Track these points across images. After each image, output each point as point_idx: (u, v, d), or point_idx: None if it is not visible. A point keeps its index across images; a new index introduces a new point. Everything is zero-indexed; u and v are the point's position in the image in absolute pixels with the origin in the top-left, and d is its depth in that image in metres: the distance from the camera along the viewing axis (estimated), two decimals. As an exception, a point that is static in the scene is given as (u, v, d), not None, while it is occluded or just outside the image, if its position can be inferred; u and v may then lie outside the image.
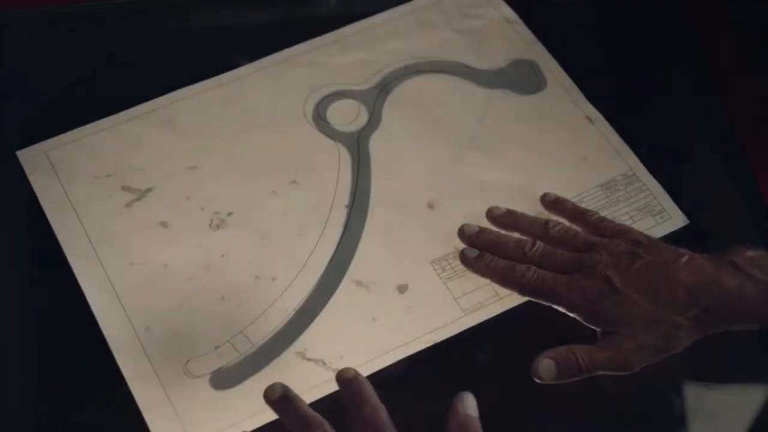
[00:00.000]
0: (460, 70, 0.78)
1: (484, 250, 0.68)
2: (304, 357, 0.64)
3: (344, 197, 0.71)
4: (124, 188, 0.70)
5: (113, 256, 0.67)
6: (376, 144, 0.74)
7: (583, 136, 0.75)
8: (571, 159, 0.73)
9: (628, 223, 0.70)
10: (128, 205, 0.70)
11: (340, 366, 0.63)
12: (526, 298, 0.66)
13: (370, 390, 0.58)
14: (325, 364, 0.64)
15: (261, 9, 0.81)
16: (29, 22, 0.79)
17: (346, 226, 0.70)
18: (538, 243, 0.67)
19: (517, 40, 0.79)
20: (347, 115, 0.75)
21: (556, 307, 0.65)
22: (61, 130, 0.73)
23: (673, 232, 0.70)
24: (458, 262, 0.68)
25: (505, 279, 0.66)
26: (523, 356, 0.63)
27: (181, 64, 0.78)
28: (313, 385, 0.63)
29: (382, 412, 0.57)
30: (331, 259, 0.68)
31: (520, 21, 0.80)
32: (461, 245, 0.69)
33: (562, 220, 0.70)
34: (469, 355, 0.65)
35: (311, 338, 0.65)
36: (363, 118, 0.75)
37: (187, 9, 0.81)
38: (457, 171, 0.73)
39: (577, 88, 0.77)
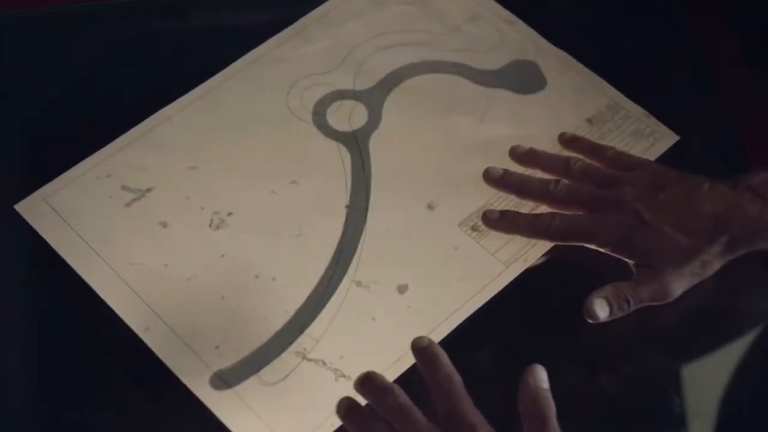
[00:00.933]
0: (461, 70, 0.78)
1: (508, 191, 0.70)
2: (304, 357, 0.64)
3: (344, 197, 0.71)
4: (124, 188, 0.70)
5: (113, 256, 0.67)
6: (375, 144, 0.74)
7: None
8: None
9: (626, 149, 0.72)
10: (128, 205, 0.70)
11: (340, 366, 0.64)
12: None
13: (444, 358, 0.59)
14: (325, 364, 0.64)
15: (261, 9, 0.81)
16: (29, 22, 0.79)
17: (345, 226, 0.70)
18: (562, 181, 0.69)
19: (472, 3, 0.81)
20: (347, 115, 0.75)
21: (587, 245, 0.67)
22: (62, 129, 0.72)
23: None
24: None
25: (534, 230, 0.68)
26: (523, 357, 0.63)
27: (181, 65, 0.78)
28: (312, 384, 0.63)
29: (456, 378, 0.58)
30: (331, 259, 0.68)
31: None
32: (461, 247, 0.69)
33: (580, 157, 0.71)
34: (469, 355, 0.65)
35: (311, 338, 0.65)
36: (363, 118, 0.75)
37: (187, 9, 0.81)
38: (458, 171, 0.73)
39: (541, 39, 0.79)
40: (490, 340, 0.66)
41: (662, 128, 0.75)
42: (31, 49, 0.78)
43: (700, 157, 0.75)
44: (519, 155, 0.72)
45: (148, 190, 0.70)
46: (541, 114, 0.75)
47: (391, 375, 0.63)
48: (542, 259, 0.68)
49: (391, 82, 0.77)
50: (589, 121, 0.74)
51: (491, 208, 0.70)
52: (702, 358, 0.66)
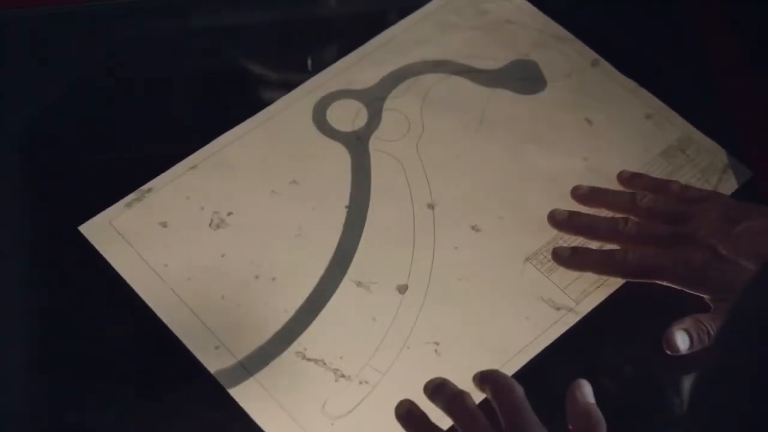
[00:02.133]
0: (461, 70, 0.78)
1: (577, 233, 0.68)
2: (304, 357, 0.64)
3: (344, 197, 0.71)
4: (124, 188, 0.70)
5: (113, 256, 0.67)
6: (375, 144, 0.74)
7: (581, 137, 0.75)
8: (575, 163, 0.73)
9: (697, 185, 0.71)
10: (128, 205, 0.70)
11: (340, 366, 0.64)
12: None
13: (501, 373, 0.59)
14: (325, 364, 0.64)
15: (262, 9, 0.81)
16: (29, 22, 0.79)
17: (345, 226, 0.70)
18: (631, 219, 0.67)
19: (532, 27, 0.80)
20: (347, 115, 0.75)
21: (661, 282, 0.65)
22: (62, 130, 0.72)
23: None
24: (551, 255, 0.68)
25: (606, 267, 0.66)
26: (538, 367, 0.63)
27: (181, 65, 0.78)
28: (313, 384, 0.63)
29: (517, 387, 0.57)
30: (331, 259, 0.68)
31: (530, 5, 0.80)
32: (462, 247, 0.69)
33: (645, 192, 0.69)
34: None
35: (311, 338, 0.65)
36: (363, 118, 0.75)
37: (188, 9, 0.81)
38: (458, 171, 0.73)
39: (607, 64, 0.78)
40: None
41: (735, 163, 0.73)
42: (31, 49, 0.78)
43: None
44: (582, 195, 0.70)
45: (148, 190, 0.70)
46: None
47: (390, 374, 0.63)
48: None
49: (392, 81, 0.77)
50: (663, 154, 0.73)
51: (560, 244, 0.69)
52: (701, 359, 0.66)
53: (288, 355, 0.64)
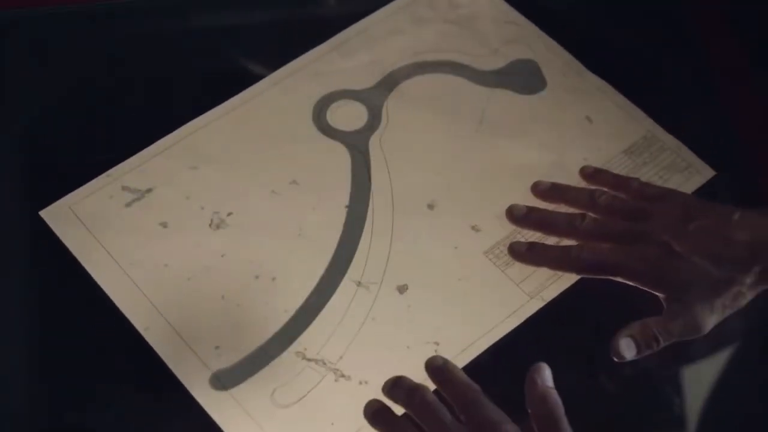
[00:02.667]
0: (461, 70, 0.78)
1: (535, 228, 0.69)
2: (304, 357, 0.64)
3: (344, 197, 0.71)
4: (124, 188, 0.70)
5: (113, 255, 0.67)
6: (375, 144, 0.74)
7: (582, 135, 0.75)
8: (576, 157, 0.73)
9: (658, 183, 0.71)
10: (128, 204, 0.70)
11: (340, 366, 0.64)
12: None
13: (459, 372, 0.60)
14: (325, 364, 0.64)
15: (262, 10, 0.81)
16: (29, 22, 0.79)
17: (345, 226, 0.70)
18: (588, 215, 0.68)
19: (507, 22, 0.80)
20: (347, 115, 0.75)
21: (616, 278, 0.65)
22: (63, 130, 0.73)
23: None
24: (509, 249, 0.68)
25: (561, 263, 0.67)
26: (522, 359, 0.63)
27: (181, 65, 0.78)
28: (312, 384, 0.63)
29: (475, 386, 0.58)
30: (331, 259, 0.68)
31: (503, 2, 0.81)
32: (462, 247, 0.69)
33: (604, 189, 0.70)
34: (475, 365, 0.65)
35: (311, 338, 0.65)
36: (363, 118, 0.75)
37: (188, 9, 0.81)
38: (457, 171, 0.73)
39: (571, 55, 0.78)
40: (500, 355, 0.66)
41: (698, 162, 0.73)
42: (32, 49, 0.78)
43: (700, 156, 0.75)
44: (542, 191, 0.70)
45: (148, 190, 0.70)
46: (573, 142, 0.74)
47: (390, 374, 0.63)
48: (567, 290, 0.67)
49: (392, 81, 0.77)
50: (626, 152, 0.73)
51: (516, 239, 0.69)
52: (702, 359, 0.66)
53: (288, 355, 0.64)
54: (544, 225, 0.69)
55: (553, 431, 0.56)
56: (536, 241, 0.69)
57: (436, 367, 0.61)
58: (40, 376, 0.64)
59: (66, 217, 0.68)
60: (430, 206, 0.71)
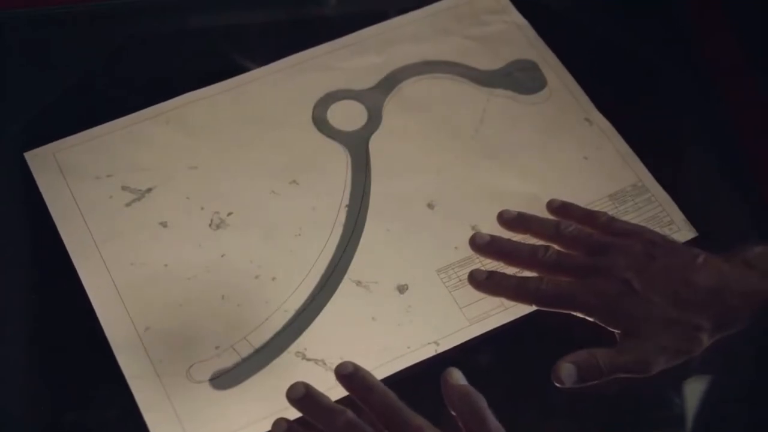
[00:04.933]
0: (461, 71, 0.78)
1: (497, 258, 0.67)
2: (304, 357, 0.64)
3: (344, 197, 0.71)
4: (125, 188, 0.70)
5: (113, 256, 0.67)
6: (375, 144, 0.74)
7: (583, 137, 0.75)
8: (572, 158, 0.73)
9: None
10: (128, 204, 0.70)
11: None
12: (532, 308, 0.65)
13: (373, 378, 0.58)
14: (325, 364, 0.64)
15: (264, 10, 0.81)
16: (29, 22, 0.79)
17: (345, 226, 0.70)
18: (551, 248, 0.66)
19: (527, 46, 0.79)
20: (347, 115, 0.75)
21: (573, 312, 0.64)
22: (64, 130, 0.73)
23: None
24: (464, 270, 0.67)
25: (519, 294, 0.65)
26: (522, 359, 0.63)
27: (181, 65, 0.78)
28: (312, 384, 0.63)
29: (390, 393, 0.57)
30: (331, 259, 0.68)
31: (529, 27, 0.80)
32: (462, 247, 0.69)
33: (571, 222, 0.68)
34: (469, 357, 0.65)
35: (311, 338, 0.65)
36: (363, 118, 0.75)
37: (187, 9, 0.81)
38: (457, 171, 0.73)
39: (581, 90, 0.77)
40: (490, 345, 0.66)
41: (682, 220, 0.71)
42: (32, 49, 0.78)
43: (700, 157, 0.75)
44: (508, 221, 0.69)
45: (148, 190, 0.70)
46: (564, 177, 0.73)
47: (389, 374, 0.63)
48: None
49: (392, 82, 0.77)
50: (612, 197, 0.72)
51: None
52: (701, 359, 0.66)
53: (288, 356, 0.64)
54: (506, 255, 0.67)
55: (480, 424, 0.56)
56: (495, 270, 0.67)
57: (347, 375, 0.58)
58: (40, 376, 0.64)
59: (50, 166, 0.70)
60: (430, 206, 0.71)
